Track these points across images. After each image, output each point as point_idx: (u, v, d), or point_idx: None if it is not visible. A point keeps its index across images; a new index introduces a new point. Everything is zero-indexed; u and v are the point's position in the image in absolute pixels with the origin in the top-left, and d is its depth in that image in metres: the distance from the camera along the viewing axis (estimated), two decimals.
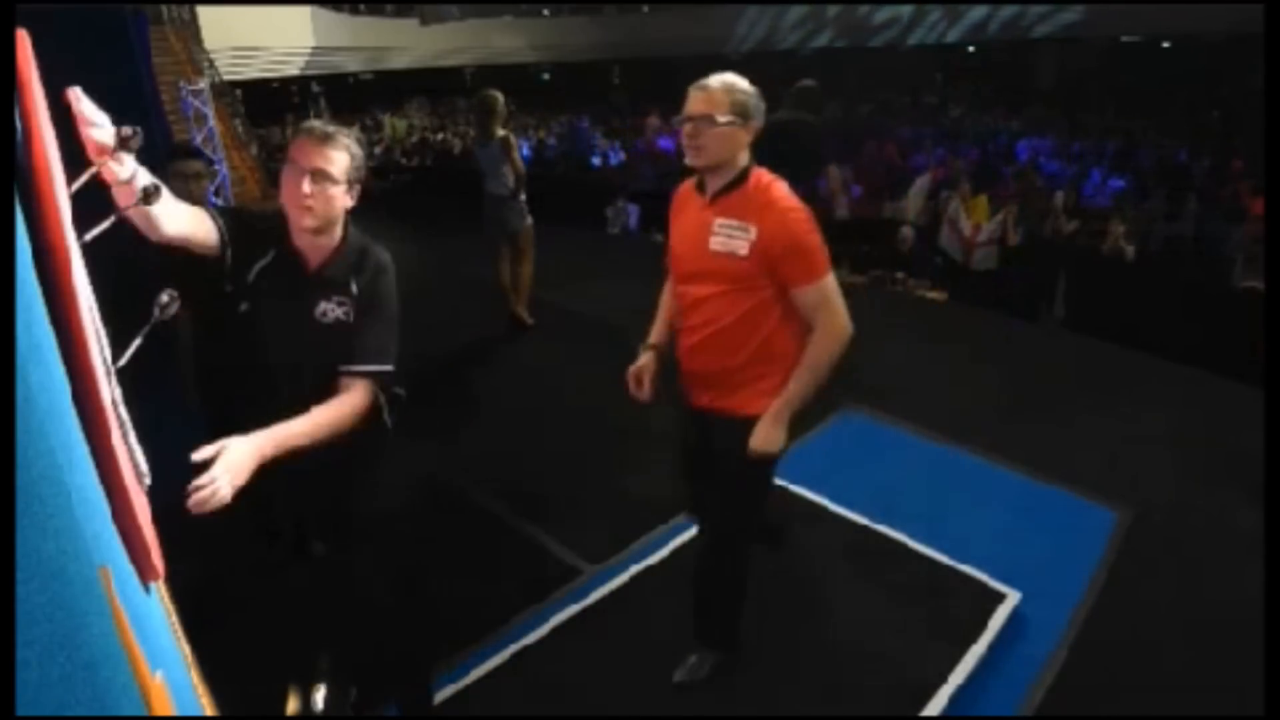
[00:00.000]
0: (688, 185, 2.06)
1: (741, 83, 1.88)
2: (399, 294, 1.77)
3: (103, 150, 1.14)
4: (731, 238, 1.86)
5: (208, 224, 1.56)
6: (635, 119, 15.39)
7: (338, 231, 1.69)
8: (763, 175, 1.93)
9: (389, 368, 1.71)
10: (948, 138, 11.83)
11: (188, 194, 2.47)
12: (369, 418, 1.70)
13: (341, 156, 1.61)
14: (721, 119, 1.82)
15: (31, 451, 0.45)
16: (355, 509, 1.86)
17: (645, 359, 2.15)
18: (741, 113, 1.85)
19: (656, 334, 2.22)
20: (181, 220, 1.49)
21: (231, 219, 1.62)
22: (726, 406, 2.02)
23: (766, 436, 1.92)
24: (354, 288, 1.68)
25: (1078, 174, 8.57)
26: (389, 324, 1.72)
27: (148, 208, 1.32)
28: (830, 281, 1.88)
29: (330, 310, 1.67)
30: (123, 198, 1.24)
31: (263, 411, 1.54)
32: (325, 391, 1.64)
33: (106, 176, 1.20)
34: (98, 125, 1.14)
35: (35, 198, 0.72)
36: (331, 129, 1.63)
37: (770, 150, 4.26)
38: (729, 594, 2.24)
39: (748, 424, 1.95)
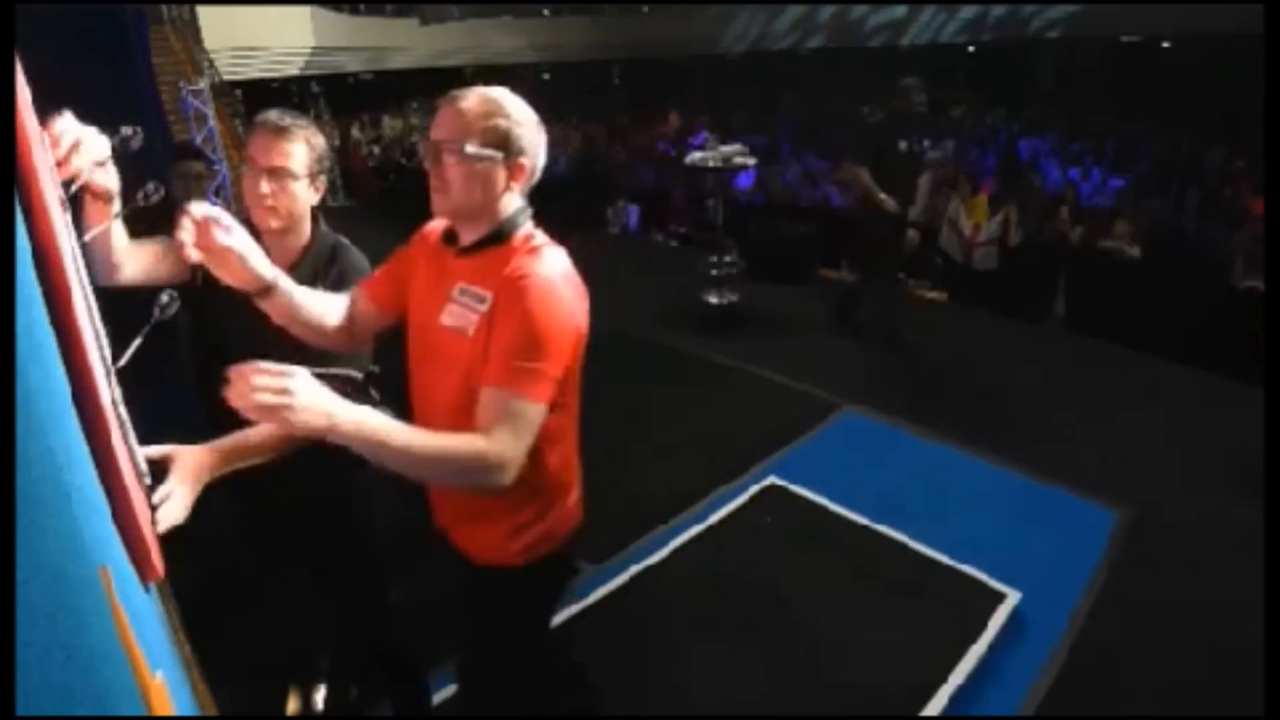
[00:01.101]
0: (434, 229, 1.49)
1: (509, 103, 1.33)
2: None
3: (102, 161, 1.11)
4: (467, 309, 1.33)
5: (171, 255, 1.45)
6: (645, 119, 15.36)
7: (305, 229, 1.62)
8: (537, 236, 1.39)
9: (354, 373, 1.56)
10: (947, 137, 11.81)
11: (188, 195, 2.47)
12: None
13: (300, 149, 1.53)
14: (472, 149, 1.28)
15: (31, 451, 0.45)
16: (349, 513, 1.81)
17: None
18: (501, 144, 1.30)
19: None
20: (141, 259, 1.44)
21: None
22: (459, 542, 1.51)
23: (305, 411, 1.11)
24: (321, 289, 1.51)
25: (1079, 175, 8.57)
26: None
27: (112, 246, 1.31)
28: (532, 410, 1.24)
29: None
30: (96, 215, 1.20)
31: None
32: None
33: (94, 189, 1.15)
34: (88, 138, 1.08)
35: (27, 199, 0.72)
36: (287, 120, 1.53)
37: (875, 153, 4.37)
38: None
39: (486, 575, 1.48)
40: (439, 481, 1.27)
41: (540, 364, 1.25)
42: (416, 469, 1.19)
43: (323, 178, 1.61)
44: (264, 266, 1.30)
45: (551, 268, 1.33)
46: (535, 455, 1.32)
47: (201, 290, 1.51)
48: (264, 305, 1.32)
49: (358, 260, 1.66)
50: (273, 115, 1.55)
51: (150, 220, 1.42)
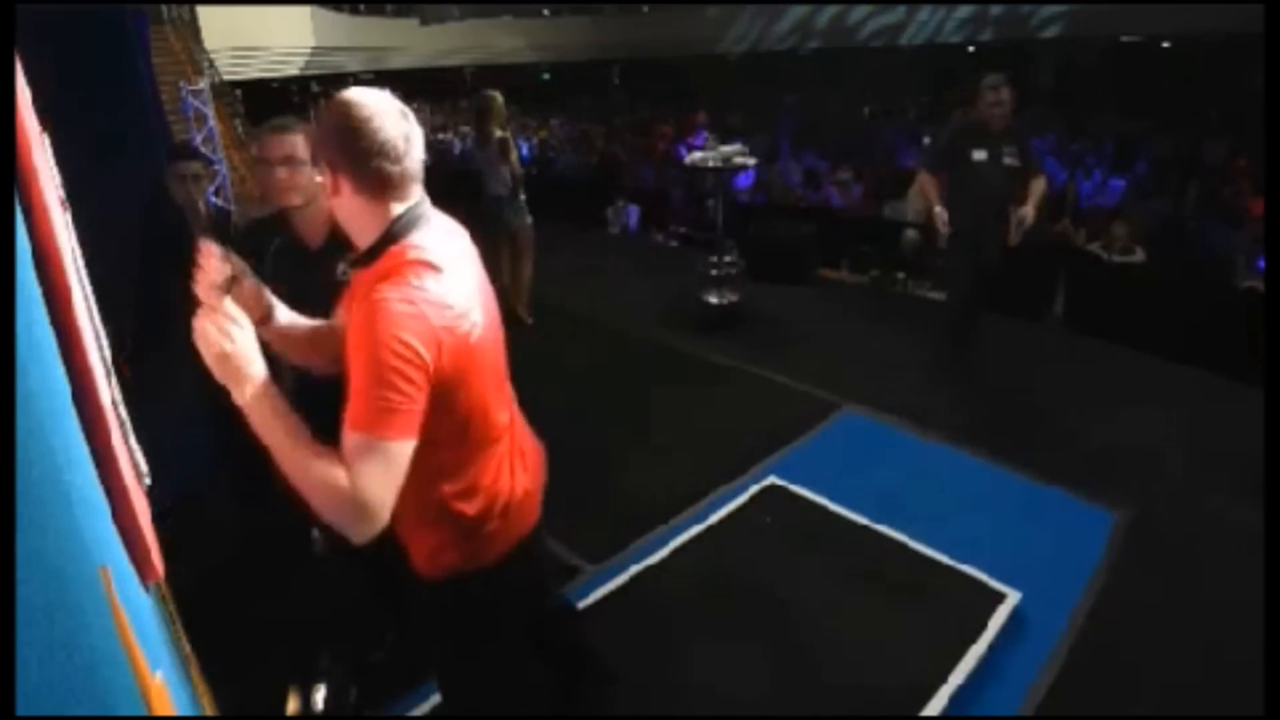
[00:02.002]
0: None
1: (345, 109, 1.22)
2: None
3: (213, 287, 1.19)
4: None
5: (322, 329, 1.49)
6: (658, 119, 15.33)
7: (325, 204, 1.74)
8: (420, 247, 1.25)
9: None
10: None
11: (187, 196, 2.47)
12: None
13: (300, 139, 1.85)
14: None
15: (32, 451, 0.45)
16: None
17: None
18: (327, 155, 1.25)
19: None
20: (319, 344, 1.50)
21: (251, 240, 1.93)
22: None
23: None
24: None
25: (1079, 175, 8.57)
26: None
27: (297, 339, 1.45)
28: (394, 448, 1.15)
29: (346, 271, 1.71)
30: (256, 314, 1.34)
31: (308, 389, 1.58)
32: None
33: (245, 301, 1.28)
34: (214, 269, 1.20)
35: (27, 199, 0.72)
36: (286, 119, 1.89)
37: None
38: None
39: (424, 583, 1.45)
40: (314, 506, 1.15)
41: (391, 397, 1.14)
42: (293, 479, 1.13)
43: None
44: (266, 293, 1.36)
45: (411, 283, 1.20)
46: (424, 491, 1.28)
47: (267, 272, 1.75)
48: (263, 333, 1.28)
49: None
50: (273, 120, 1.90)
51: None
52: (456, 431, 1.31)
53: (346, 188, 1.23)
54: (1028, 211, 3.89)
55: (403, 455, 1.17)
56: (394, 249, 1.24)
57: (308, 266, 1.87)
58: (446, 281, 1.25)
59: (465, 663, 1.53)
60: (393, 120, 1.22)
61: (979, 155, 3.89)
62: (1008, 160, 3.87)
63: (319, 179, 1.75)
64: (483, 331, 1.33)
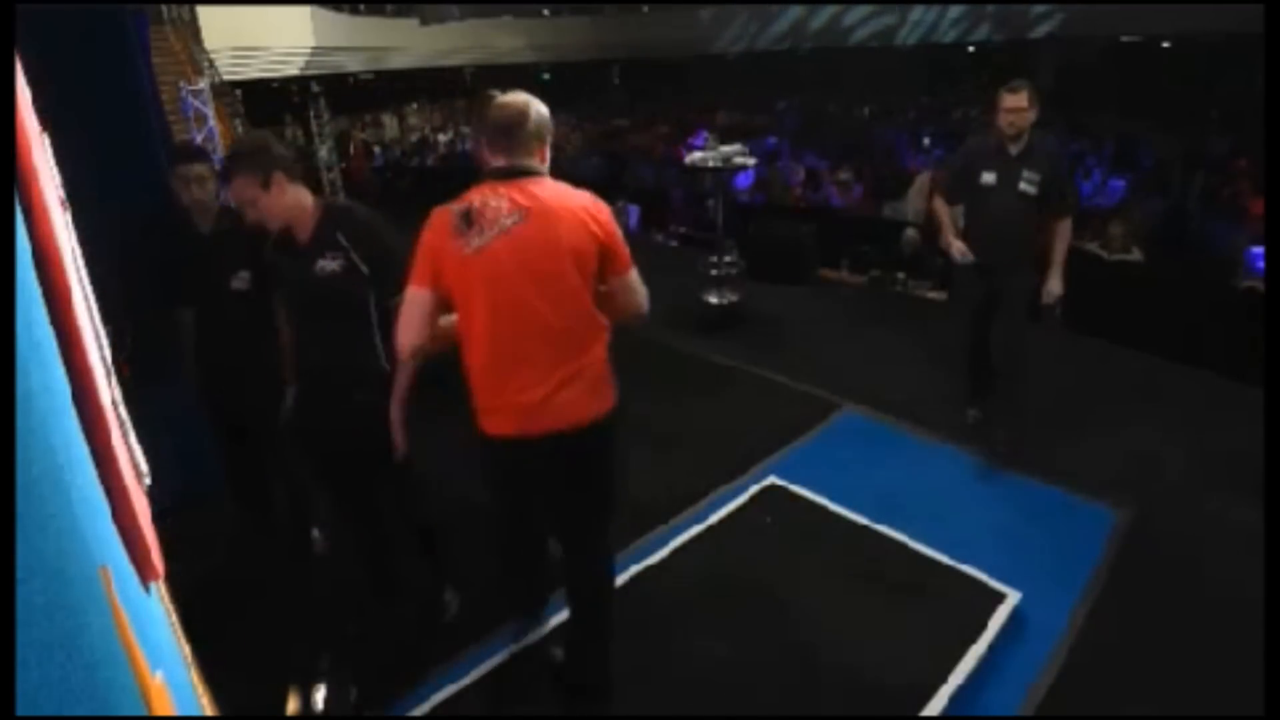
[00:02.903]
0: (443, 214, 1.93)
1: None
2: (393, 230, 2.13)
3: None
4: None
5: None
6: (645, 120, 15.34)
7: (308, 208, 2.09)
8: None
9: None
10: (950, 137, 11.82)
11: (191, 198, 2.45)
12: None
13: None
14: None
15: (32, 451, 0.45)
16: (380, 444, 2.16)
17: None
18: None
19: None
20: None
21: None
22: None
23: None
24: (344, 241, 2.03)
25: (1079, 175, 8.57)
26: (399, 260, 2.00)
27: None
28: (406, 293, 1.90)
29: (326, 266, 2.03)
30: None
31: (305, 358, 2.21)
32: (342, 327, 2.10)
33: None
34: None
35: (27, 199, 0.72)
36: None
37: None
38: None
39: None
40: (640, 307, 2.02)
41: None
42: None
43: (277, 174, 2.05)
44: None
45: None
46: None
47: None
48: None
49: (365, 211, 2.15)
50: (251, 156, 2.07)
51: None
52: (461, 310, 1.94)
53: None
54: (1055, 286, 3.27)
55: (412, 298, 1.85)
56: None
57: (296, 258, 2.10)
58: None
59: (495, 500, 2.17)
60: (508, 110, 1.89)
61: (987, 179, 3.25)
62: (1023, 186, 3.18)
63: (274, 193, 2.05)
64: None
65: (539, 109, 1.91)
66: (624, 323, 1.99)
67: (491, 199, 1.82)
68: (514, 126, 1.85)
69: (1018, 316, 3.33)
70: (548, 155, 1.94)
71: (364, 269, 2.04)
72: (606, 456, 2.03)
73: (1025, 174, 3.19)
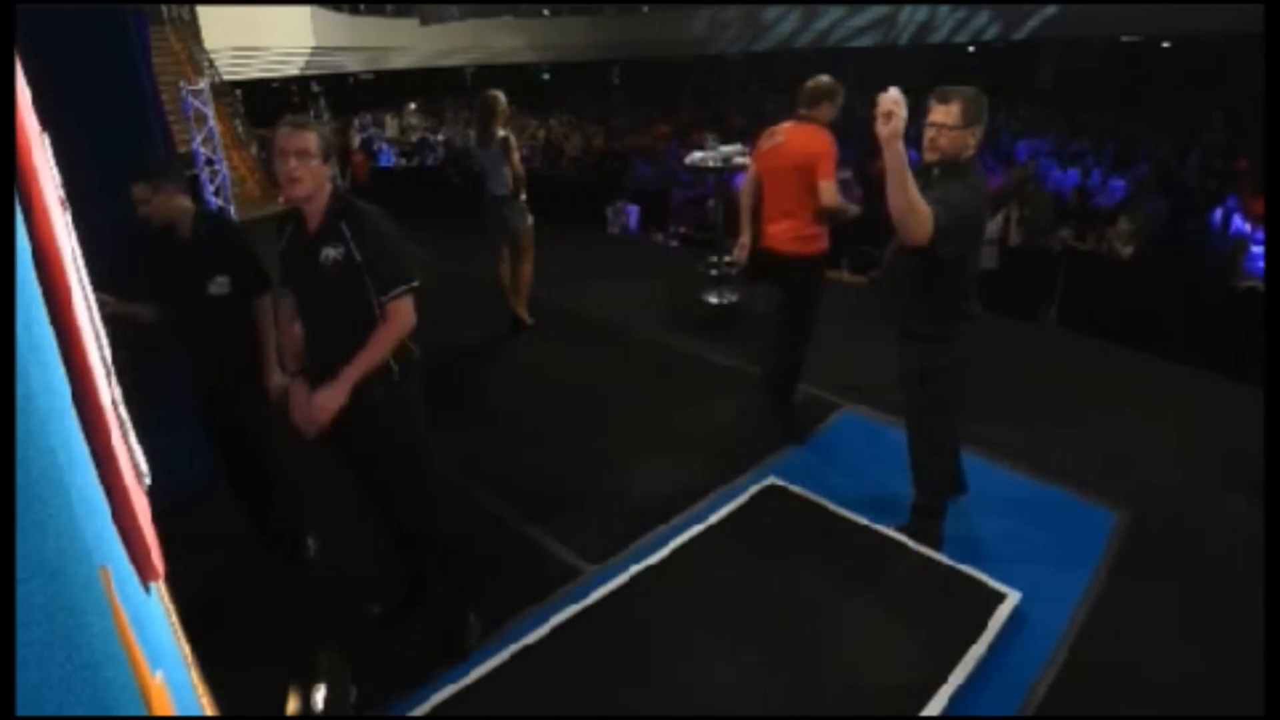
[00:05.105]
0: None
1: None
2: (397, 231, 2.18)
3: None
4: None
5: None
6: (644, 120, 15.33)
7: (326, 195, 2.14)
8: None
9: (412, 284, 2.14)
10: None
11: (149, 216, 2.51)
12: (413, 335, 2.20)
13: (314, 136, 2.07)
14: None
15: (31, 451, 0.45)
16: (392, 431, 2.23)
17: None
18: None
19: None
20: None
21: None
22: None
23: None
24: (347, 232, 2.10)
25: (1080, 176, 8.56)
26: (394, 253, 2.14)
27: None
28: None
29: (329, 254, 2.10)
30: None
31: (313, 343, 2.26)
32: (346, 317, 2.13)
33: None
34: None
35: (27, 199, 0.72)
36: (304, 118, 2.14)
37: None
38: None
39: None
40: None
41: None
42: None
43: (333, 159, 2.16)
44: None
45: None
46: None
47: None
48: None
49: (367, 207, 2.18)
50: (291, 116, 2.13)
51: None
52: None
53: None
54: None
55: None
56: None
57: (306, 250, 2.15)
58: None
59: None
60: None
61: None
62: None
63: (327, 170, 2.12)
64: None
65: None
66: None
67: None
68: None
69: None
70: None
71: (358, 260, 2.09)
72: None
73: (934, 193, 2.30)
